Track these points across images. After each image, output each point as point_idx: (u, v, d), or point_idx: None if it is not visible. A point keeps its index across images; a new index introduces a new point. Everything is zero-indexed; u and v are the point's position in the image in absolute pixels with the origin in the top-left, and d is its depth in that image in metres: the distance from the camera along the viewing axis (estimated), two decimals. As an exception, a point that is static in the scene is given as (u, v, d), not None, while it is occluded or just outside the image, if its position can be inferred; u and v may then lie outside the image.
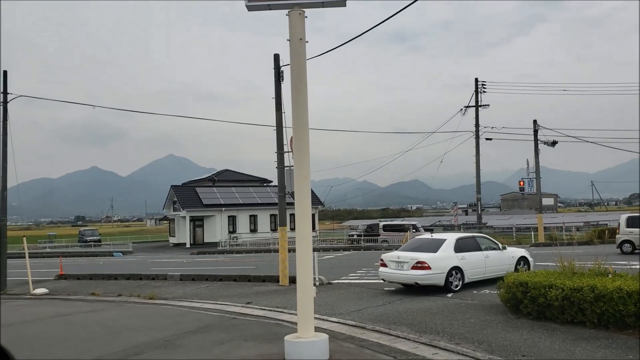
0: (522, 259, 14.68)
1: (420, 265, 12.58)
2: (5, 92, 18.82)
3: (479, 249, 13.74)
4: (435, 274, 12.56)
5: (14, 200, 20.17)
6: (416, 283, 12.70)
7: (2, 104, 18.71)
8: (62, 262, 22.98)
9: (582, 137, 36.45)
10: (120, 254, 41.81)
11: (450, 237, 13.71)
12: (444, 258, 12.83)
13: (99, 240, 54.32)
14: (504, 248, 14.58)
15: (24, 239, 18.79)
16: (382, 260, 13.70)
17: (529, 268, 14.21)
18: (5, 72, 19.06)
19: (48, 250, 48.16)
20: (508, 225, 46.61)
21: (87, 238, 54.33)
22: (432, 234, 15.21)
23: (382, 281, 14.03)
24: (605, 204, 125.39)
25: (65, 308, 13.35)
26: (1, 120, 18.67)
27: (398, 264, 13.07)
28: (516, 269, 13.56)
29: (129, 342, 8.61)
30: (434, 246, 13.24)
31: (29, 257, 18.28)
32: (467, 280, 13.04)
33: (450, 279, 12.72)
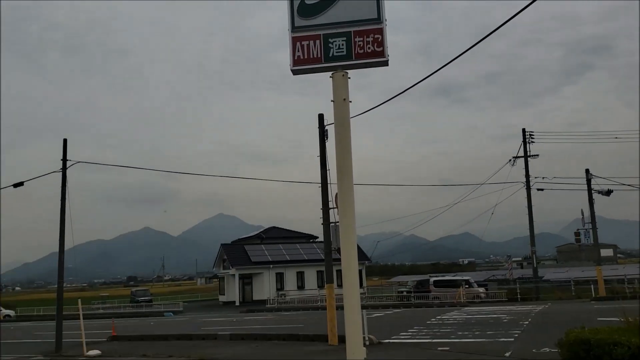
0: None
1: None
2: (64, 159, 19.76)
3: None
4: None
5: (70, 262, 20.80)
6: None
7: (61, 170, 19.62)
8: (115, 323, 23.31)
9: (638, 185, 35.06)
10: (171, 313, 42.11)
11: None
12: None
13: (150, 300, 54.91)
14: None
15: (79, 301, 19.24)
16: None
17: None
18: (65, 140, 20.07)
19: (101, 311, 49.01)
20: (565, 278, 44.66)
21: (139, 298, 54.96)
22: None
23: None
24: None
25: (118, 370, 13.43)
26: (60, 186, 19.56)
27: None
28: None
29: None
30: None
31: (83, 319, 18.64)
32: None
33: None
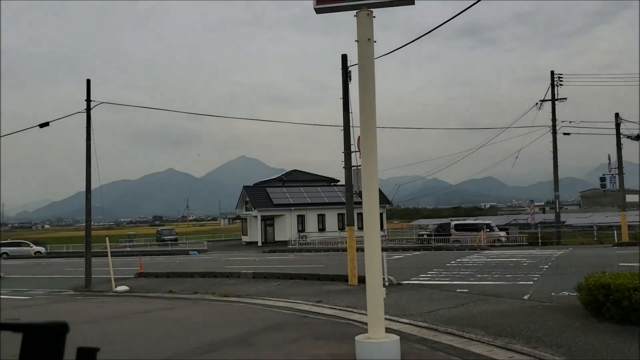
0: None
1: None
2: (88, 100, 19.88)
3: None
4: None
5: (97, 202, 21.27)
6: None
7: (86, 111, 19.79)
8: (141, 260, 24.01)
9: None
10: (196, 252, 43.19)
11: None
12: None
13: (176, 240, 56.20)
14: None
15: (107, 238, 19.79)
16: None
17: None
18: (88, 81, 20.14)
19: (128, 249, 50.42)
20: (588, 223, 44.46)
21: (165, 237, 56.25)
22: None
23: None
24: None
25: (145, 305, 13.94)
26: (85, 126, 19.78)
27: None
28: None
29: (204, 339, 8.88)
30: None
31: (111, 256, 19.23)
32: None
33: None
